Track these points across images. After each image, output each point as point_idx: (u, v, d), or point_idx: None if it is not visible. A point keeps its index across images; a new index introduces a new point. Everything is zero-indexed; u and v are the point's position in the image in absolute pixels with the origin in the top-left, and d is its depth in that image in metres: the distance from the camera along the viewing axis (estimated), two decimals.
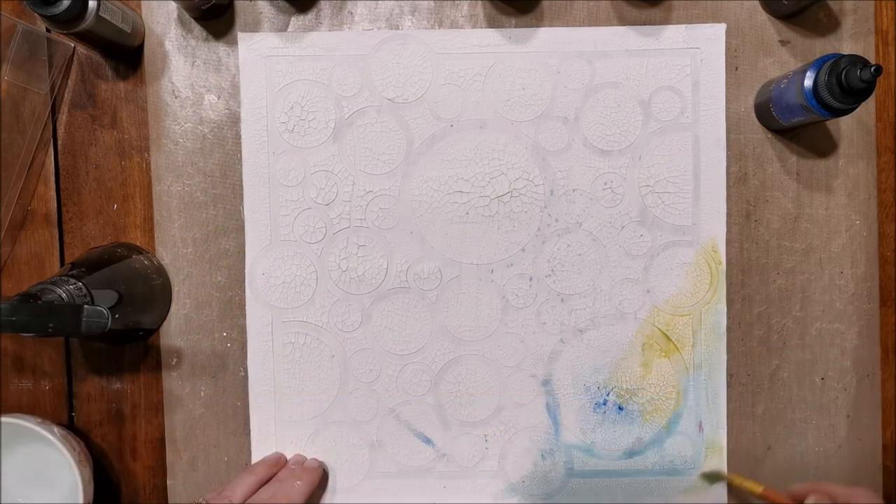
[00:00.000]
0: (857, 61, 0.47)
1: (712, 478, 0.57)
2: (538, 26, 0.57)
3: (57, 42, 0.57)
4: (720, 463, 0.57)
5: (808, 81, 0.49)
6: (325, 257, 0.57)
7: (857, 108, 0.49)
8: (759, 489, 0.54)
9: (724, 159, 0.57)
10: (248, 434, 0.57)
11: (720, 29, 0.57)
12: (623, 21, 0.57)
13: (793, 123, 0.54)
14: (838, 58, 0.48)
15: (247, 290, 0.57)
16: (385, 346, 0.58)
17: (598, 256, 0.57)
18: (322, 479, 0.57)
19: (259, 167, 0.57)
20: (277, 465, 0.56)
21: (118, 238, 0.58)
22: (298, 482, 0.54)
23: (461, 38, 0.57)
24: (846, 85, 0.47)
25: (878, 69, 0.46)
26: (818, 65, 0.49)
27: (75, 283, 0.49)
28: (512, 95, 0.57)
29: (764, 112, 0.56)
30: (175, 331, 0.58)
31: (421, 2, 0.57)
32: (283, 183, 0.57)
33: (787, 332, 0.58)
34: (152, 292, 0.56)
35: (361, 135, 0.57)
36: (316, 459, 0.57)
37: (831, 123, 0.57)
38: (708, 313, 0.57)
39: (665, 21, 0.57)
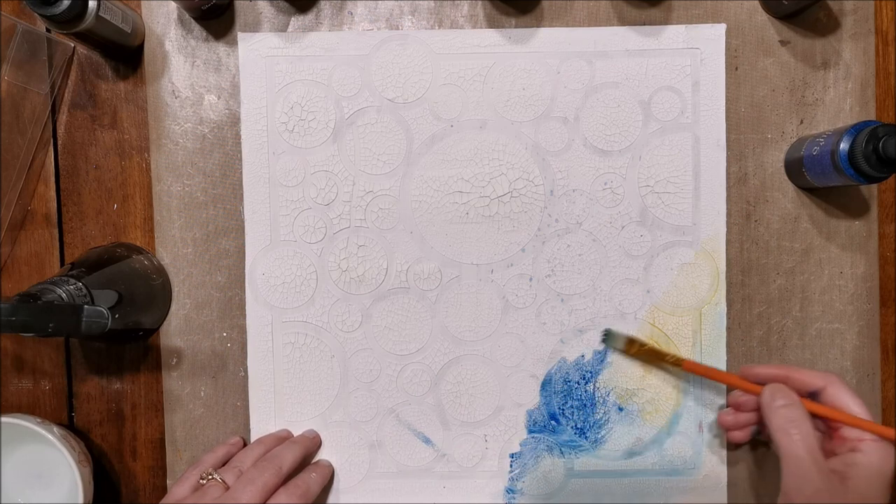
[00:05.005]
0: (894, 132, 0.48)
1: (611, 339, 0.57)
2: (538, 26, 0.57)
3: (57, 42, 0.57)
4: (720, 464, 0.57)
5: (844, 146, 0.50)
6: (325, 257, 0.57)
7: (890, 175, 0.50)
8: (678, 360, 0.55)
9: (724, 159, 0.57)
10: (249, 434, 0.57)
11: (720, 29, 0.57)
12: (623, 21, 0.57)
13: (825, 185, 0.54)
14: (875, 126, 0.48)
15: (247, 290, 0.57)
16: (385, 346, 0.58)
17: (598, 256, 0.57)
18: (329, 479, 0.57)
19: (259, 167, 0.57)
20: (284, 440, 0.56)
21: (118, 238, 0.58)
22: (314, 474, 0.54)
23: (461, 38, 0.57)
24: (884, 154, 0.48)
25: None
26: (853, 133, 0.49)
27: (75, 283, 0.49)
28: (512, 95, 0.57)
29: (795, 171, 0.56)
30: (175, 331, 0.58)
31: (421, 2, 0.57)
32: (283, 183, 0.57)
33: (787, 333, 0.58)
34: (152, 292, 0.56)
35: (361, 135, 0.57)
36: (326, 459, 0.57)
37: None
38: (708, 313, 0.57)
39: (665, 21, 0.57)
